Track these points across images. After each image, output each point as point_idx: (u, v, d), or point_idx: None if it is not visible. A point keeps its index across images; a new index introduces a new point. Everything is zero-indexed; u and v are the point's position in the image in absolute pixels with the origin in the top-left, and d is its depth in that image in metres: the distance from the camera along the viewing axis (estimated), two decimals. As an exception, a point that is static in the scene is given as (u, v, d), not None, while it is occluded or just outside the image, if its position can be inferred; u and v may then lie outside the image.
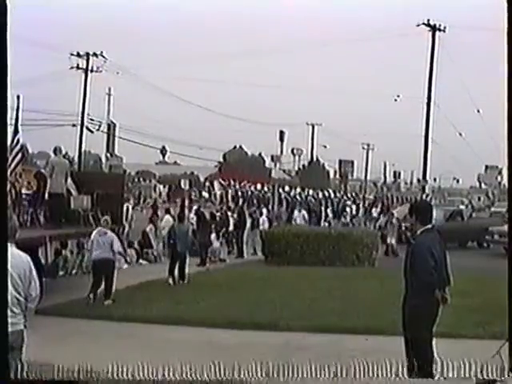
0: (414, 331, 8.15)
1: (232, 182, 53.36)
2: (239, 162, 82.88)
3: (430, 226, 8.39)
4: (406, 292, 8.29)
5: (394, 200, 55.57)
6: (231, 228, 27.39)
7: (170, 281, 18.48)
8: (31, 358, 7.50)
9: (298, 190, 50.40)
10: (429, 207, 8.96)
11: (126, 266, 22.99)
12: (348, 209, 44.54)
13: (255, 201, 44.85)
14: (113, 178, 25.24)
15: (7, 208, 4.60)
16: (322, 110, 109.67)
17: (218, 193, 53.85)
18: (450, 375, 7.53)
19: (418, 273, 8.06)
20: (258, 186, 49.57)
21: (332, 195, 49.64)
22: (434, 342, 8.19)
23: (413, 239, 8.66)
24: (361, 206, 48.97)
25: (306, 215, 33.43)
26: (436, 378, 7.90)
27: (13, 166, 17.65)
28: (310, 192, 49.50)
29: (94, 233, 15.91)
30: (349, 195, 53.84)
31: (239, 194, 48.56)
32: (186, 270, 18.96)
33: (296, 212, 33.73)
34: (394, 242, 27.18)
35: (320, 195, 47.73)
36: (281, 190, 49.00)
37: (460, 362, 7.71)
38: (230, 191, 52.41)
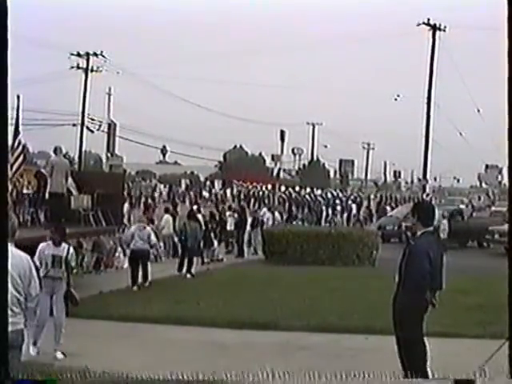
0: (401, 329, 8.19)
1: (244, 183, 53.48)
2: (239, 161, 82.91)
3: (431, 228, 8.37)
4: (397, 290, 8.30)
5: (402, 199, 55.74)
6: (232, 228, 27.37)
7: (187, 274, 20.34)
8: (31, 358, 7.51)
9: (308, 189, 50.64)
10: (431, 209, 8.81)
11: (126, 265, 22.98)
12: (339, 207, 44.78)
13: (266, 201, 44.95)
14: (113, 178, 25.25)
15: (8, 208, 4.59)
16: (323, 109, 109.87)
17: (219, 192, 53.87)
18: (449, 375, 7.54)
19: (411, 274, 8.06)
20: (269, 187, 49.63)
21: (340, 195, 49.87)
22: (426, 342, 8.18)
23: (412, 240, 8.64)
24: (365, 204, 49.18)
25: (279, 216, 30.72)
26: (432, 377, 7.92)
27: (15, 167, 17.67)
28: (319, 192, 49.74)
29: (134, 227, 18.85)
30: (355, 195, 54.06)
31: (250, 194, 48.62)
32: (194, 265, 20.97)
33: (267, 213, 29.90)
34: None
35: (329, 195, 47.94)
36: (291, 190, 49.28)
37: (459, 362, 7.72)
38: (228, 190, 52.48)
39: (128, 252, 19.46)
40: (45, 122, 47.46)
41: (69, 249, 10.98)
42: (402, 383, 8.05)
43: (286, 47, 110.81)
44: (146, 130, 70.87)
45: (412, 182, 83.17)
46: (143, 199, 45.22)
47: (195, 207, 29.72)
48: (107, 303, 14.98)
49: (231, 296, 15.71)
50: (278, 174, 47.49)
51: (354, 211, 45.64)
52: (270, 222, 29.05)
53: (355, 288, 16.85)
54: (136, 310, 13.98)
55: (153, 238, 18.70)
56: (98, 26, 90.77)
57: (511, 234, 5.63)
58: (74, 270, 11.71)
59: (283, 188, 49.89)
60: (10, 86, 4.44)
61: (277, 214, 30.27)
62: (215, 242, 25.50)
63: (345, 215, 44.29)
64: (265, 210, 33.76)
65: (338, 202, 46.12)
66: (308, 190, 50.53)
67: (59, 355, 10.29)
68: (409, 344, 8.09)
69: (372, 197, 56.48)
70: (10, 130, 17.69)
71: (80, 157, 49.38)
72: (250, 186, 52.08)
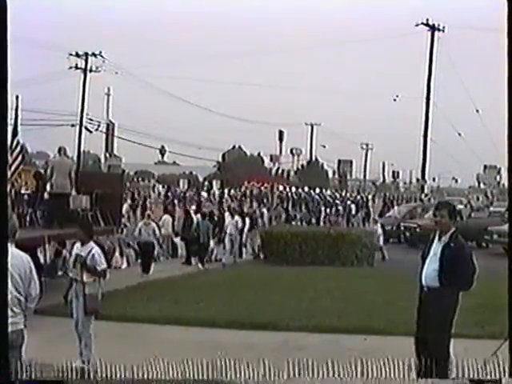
0: (443, 330, 8.07)
1: (255, 185, 53.61)
2: (238, 161, 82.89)
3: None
4: (432, 291, 8.18)
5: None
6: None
7: (200, 265, 23.07)
8: (31, 358, 7.51)
9: (318, 190, 50.87)
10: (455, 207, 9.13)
11: (125, 265, 23.02)
12: (338, 208, 44.90)
13: (279, 201, 45.07)
14: (112, 178, 25.23)
15: (7, 208, 4.60)
16: (321, 109, 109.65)
17: (217, 192, 53.87)
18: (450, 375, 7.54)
19: (465, 275, 8.10)
20: (280, 188, 49.79)
21: (338, 195, 50.15)
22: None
23: (450, 238, 8.45)
24: (370, 205, 49.39)
25: (240, 223, 25.80)
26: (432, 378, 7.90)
27: (13, 167, 17.65)
28: (328, 192, 49.99)
29: (141, 223, 22.03)
30: (361, 195, 54.29)
31: (253, 194, 48.71)
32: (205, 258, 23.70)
33: (229, 218, 26.11)
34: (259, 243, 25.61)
35: (338, 196, 48.16)
36: (300, 191, 49.41)
37: (459, 362, 7.70)
38: (226, 191, 52.48)
39: (136, 246, 22.63)
40: (43, 122, 47.43)
41: (91, 249, 10.30)
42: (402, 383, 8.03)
43: (285, 48, 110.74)
44: (144, 131, 70.90)
45: (410, 182, 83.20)
46: (142, 199, 45.22)
47: (193, 207, 29.76)
48: (106, 303, 14.95)
49: (230, 296, 15.71)
50: (288, 176, 47.54)
51: (353, 212, 45.71)
52: (229, 230, 25.46)
53: (354, 288, 16.86)
54: (135, 310, 13.98)
55: (157, 232, 21.80)
56: (96, 26, 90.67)
57: (511, 234, 5.64)
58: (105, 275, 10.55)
59: (290, 189, 50.14)
60: (9, 87, 4.44)
61: (237, 217, 26.05)
62: (212, 243, 25.47)
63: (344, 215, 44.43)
64: (264, 210, 33.75)
65: (337, 202, 46.24)
66: (318, 190, 50.75)
67: (77, 362, 9.86)
68: (441, 346, 7.97)
69: (370, 197, 56.55)
70: (9, 130, 17.68)
71: (79, 157, 49.32)
72: (254, 187, 52.25)
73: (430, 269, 8.28)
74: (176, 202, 45.81)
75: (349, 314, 13.32)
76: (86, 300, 10.28)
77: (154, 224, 22.02)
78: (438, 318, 8.14)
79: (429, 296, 8.24)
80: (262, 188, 51.22)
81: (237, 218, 25.87)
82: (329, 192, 52.73)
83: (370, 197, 55.76)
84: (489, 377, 6.56)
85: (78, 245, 10.62)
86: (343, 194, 52.51)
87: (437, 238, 8.44)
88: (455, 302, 8.15)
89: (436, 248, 8.38)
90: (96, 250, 10.43)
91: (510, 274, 4.91)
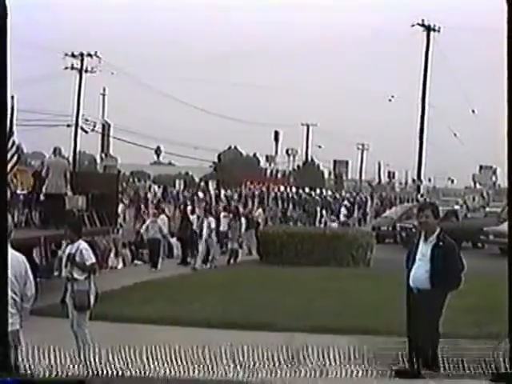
0: (432, 329, 8.09)
1: (256, 184, 53.76)
2: (234, 162, 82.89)
3: None
4: (422, 293, 8.17)
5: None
6: (226, 228, 27.25)
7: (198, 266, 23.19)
8: (28, 359, 7.49)
9: (318, 191, 51.09)
10: None
11: (121, 265, 23.00)
12: (343, 209, 44.94)
13: (280, 201, 45.14)
14: (107, 179, 25.26)
15: (6, 208, 4.59)
16: (317, 110, 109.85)
17: (213, 193, 53.83)
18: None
19: (455, 273, 8.11)
20: (281, 188, 49.98)
21: (358, 198, 50.41)
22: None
23: (437, 239, 8.45)
24: (368, 206, 49.53)
25: (213, 224, 23.96)
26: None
27: (9, 168, 17.61)
28: (329, 193, 50.20)
29: (148, 221, 23.61)
30: (360, 196, 54.46)
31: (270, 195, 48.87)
32: (210, 256, 23.75)
33: (205, 221, 23.85)
34: (236, 246, 25.46)
35: (338, 196, 48.35)
36: (301, 191, 49.52)
37: (456, 362, 7.71)
38: (224, 192, 52.44)
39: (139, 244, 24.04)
40: (39, 122, 47.47)
41: (79, 246, 10.36)
42: (403, 382, 8.04)
43: (281, 48, 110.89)
44: (140, 131, 71.03)
45: (406, 182, 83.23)
46: (137, 200, 45.17)
47: (189, 207, 29.75)
48: (102, 304, 14.91)
49: (226, 296, 15.70)
50: (289, 177, 47.73)
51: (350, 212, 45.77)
52: (205, 231, 23.55)
53: (350, 288, 16.86)
54: (131, 310, 13.95)
55: (163, 229, 23.11)
56: (92, 27, 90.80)
57: (511, 234, 5.64)
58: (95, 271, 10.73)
59: (290, 189, 50.23)
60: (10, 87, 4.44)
61: (211, 218, 24.39)
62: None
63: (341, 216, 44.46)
64: (260, 210, 33.73)
65: (345, 203, 46.39)
66: (307, 190, 50.86)
67: (74, 362, 9.93)
68: (434, 346, 7.98)
69: (368, 197, 56.65)
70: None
71: (74, 157, 49.33)
72: (253, 187, 52.36)
73: (421, 271, 8.25)
74: (172, 202, 45.80)
75: (345, 314, 13.31)
76: (76, 297, 10.29)
77: (159, 222, 23.30)
78: (431, 318, 8.14)
79: (419, 298, 8.23)
80: (263, 188, 51.31)
81: (210, 218, 24.26)
82: (329, 193, 52.74)
83: (368, 197, 55.90)
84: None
85: (70, 246, 10.72)
86: (343, 194, 52.63)
87: (422, 239, 8.40)
88: (444, 301, 8.16)
89: (424, 249, 8.34)
90: (83, 245, 10.50)
91: (510, 274, 4.89)
